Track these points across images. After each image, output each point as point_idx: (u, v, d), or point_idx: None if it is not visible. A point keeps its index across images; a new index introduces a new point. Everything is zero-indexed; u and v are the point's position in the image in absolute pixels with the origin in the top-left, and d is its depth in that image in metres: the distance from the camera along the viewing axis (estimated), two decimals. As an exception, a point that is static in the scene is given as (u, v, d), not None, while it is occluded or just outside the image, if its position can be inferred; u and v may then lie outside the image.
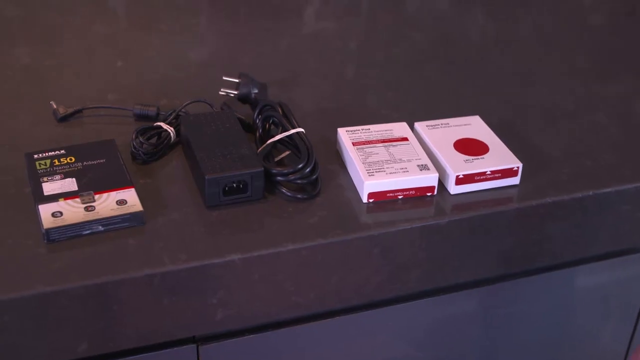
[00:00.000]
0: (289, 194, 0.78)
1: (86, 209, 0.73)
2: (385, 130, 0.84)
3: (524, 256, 0.83)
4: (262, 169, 0.76)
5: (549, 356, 0.98)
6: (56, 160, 0.78)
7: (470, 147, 0.82)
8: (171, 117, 0.86)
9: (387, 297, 0.83)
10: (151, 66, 1.00)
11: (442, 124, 0.86)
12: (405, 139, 0.83)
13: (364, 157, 0.80)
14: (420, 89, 0.98)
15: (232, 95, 0.90)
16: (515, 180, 0.81)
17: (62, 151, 0.80)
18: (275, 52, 1.05)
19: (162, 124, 0.84)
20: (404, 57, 1.05)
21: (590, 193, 0.81)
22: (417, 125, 0.86)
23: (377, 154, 0.81)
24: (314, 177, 0.78)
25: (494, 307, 0.90)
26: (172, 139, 0.84)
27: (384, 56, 1.05)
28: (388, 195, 0.78)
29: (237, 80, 0.90)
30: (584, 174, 0.84)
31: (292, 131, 0.82)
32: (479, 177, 0.79)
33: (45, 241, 0.71)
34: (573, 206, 0.81)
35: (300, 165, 0.78)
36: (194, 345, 0.77)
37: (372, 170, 0.78)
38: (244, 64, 1.01)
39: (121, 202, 0.74)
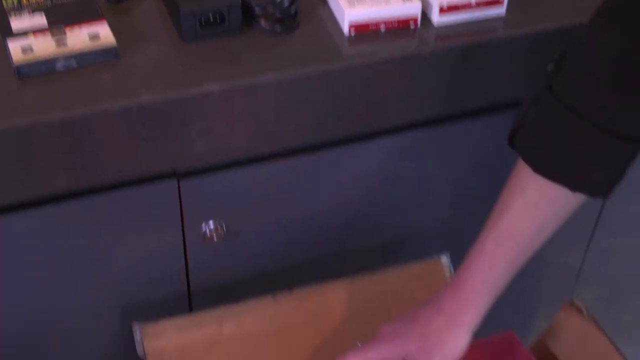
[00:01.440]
0: (267, 27, 0.75)
1: (57, 43, 0.70)
2: (367, -38, 0.81)
3: (512, 86, 0.81)
4: (240, 0, 0.74)
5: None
6: (24, -3, 0.75)
7: (454, -24, 0.79)
8: (143, -47, 0.82)
9: (369, 131, 0.81)
10: None
11: (425, -45, 0.83)
12: (388, -30, 0.80)
13: (344, -12, 0.77)
14: None
15: None
16: (501, 11, 0.79)
17: (30, -12, 0.77)
18: None
19: (134, -41, 0.81)
20: None
21: (579, 23, 0.79)
22: (400, -44, 0.82)
23: (359, -16, 0.78)
24: (293, 9, 0.76)
25: (486, 138, 0.88)
26: (145, -25, 0.81)
27: None
28: (370, 27, 0.76)
29: None
30: (571, 6, 0.81)
31: (270, -37, 0.78)
32: (463, 7, 0.77)
33: (17, 77, 0.69)
34: (560, 37, 0.79)
35: (278, -3, 0.75)
36: (175, 180, 0.76)
37: (353, 0, 0.75)
38: None
39: (94, 37, 0.71)
